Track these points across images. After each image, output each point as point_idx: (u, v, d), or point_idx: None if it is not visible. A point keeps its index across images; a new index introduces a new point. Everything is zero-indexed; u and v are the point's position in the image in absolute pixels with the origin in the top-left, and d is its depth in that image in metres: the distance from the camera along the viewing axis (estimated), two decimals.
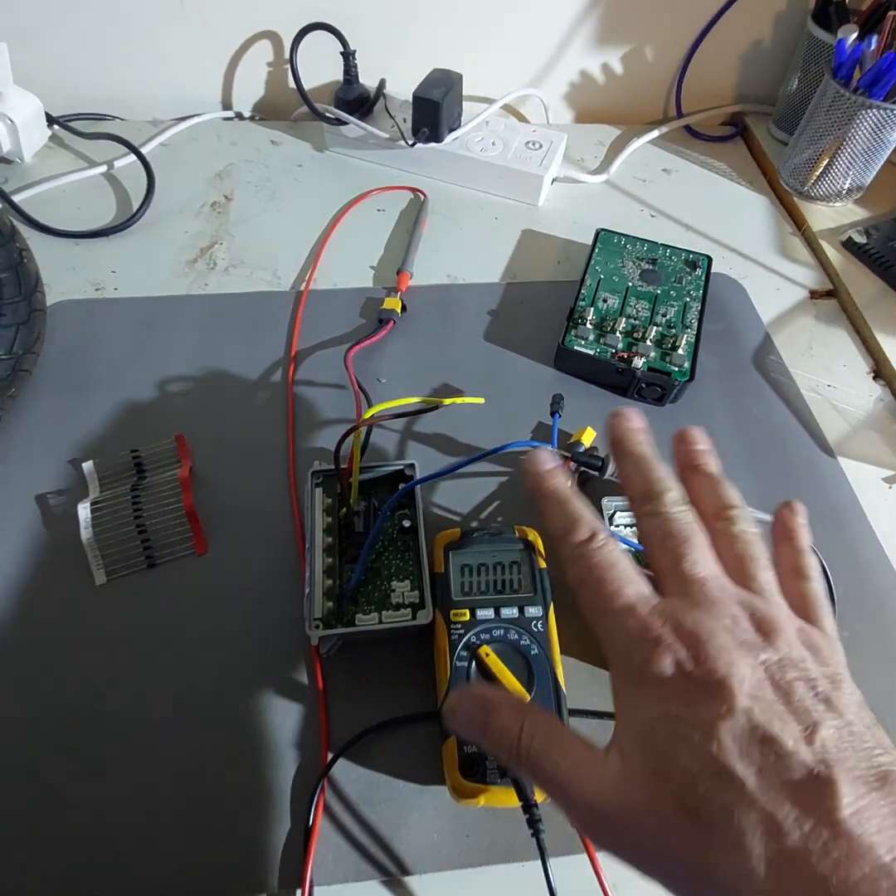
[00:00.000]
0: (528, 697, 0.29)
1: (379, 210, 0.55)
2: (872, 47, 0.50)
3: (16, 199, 0.52)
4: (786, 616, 0.20)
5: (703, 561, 0.21)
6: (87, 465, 0.38)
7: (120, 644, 0.33)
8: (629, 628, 0.20)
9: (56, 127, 0.57)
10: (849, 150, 0.53)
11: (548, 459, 0.24)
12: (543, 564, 0.33)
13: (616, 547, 0.22)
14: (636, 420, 0.25)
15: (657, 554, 0.22)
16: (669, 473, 0.24)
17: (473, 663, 0.30)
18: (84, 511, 0.36)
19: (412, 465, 0.36)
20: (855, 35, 0.50)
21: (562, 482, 0.24)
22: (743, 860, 0.16)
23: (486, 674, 0.29)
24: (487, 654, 0.30)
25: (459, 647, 0.30)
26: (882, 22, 0.51)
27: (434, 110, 0.52)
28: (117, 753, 0.30)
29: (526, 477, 0.24)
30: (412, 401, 0.32)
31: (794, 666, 0.19)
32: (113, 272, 0.49)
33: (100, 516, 0.36)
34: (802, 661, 0.19)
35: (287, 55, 0.56)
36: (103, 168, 0.55)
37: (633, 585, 0.21)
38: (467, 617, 0.31)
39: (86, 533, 0.35)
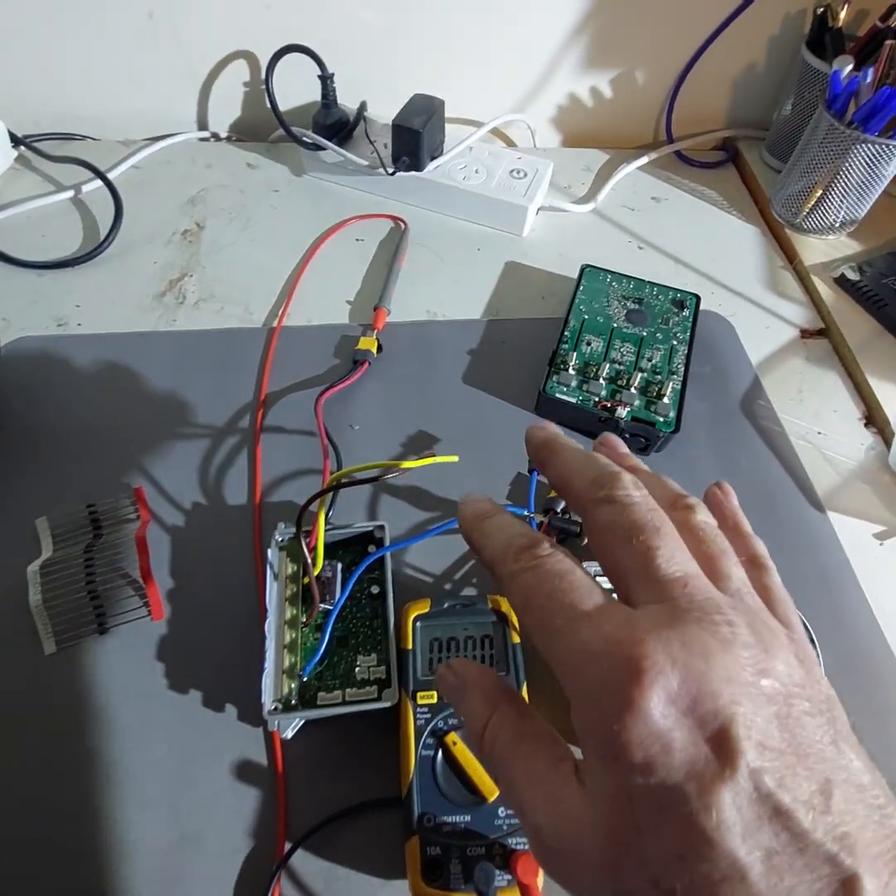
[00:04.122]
0: (496, 793, 0.27)
1: (357, 239, 0.53)
2: (868, 80, 0.48)
3: None
4: (776, 624, 0.17)
5: (679, 556, 0.17)
6: (41, 522, 0.36)
7: (66, 718, 0.31)
8: (598, 652, 0.15)
9: (22, 148, 0.55)
10: (842, 183, 0.51)
11: (479, 498, 0.21)
12: (517, 639, 0.31)
13: (565, 556, 0.18)
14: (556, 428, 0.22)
15: (618, 551, 0.17)
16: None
17: (440, 752, 0.28)
18: (34, 573, 0.34)
19: (382, 527, 0.34)
20: (850, 67, 0.49)
21: (496, 505, 0.20)
22: None
23: (453, 764, 0.28)
24: (455, 743, 0.28)
25: (425, 733, 0.28)
26: (878, 52, 0.49)
27: (414, 139, 0.50)
28: (57, 834, 0.28)
29: (460, 519, 0.21)
30: (381, 465, 0.30)
31: (799, 694, 0.15)
32: (77, 306, 0.47)
33: (50, 579, 0.34)
34: (804, 685, 0.15)
35: (263, 75, 0.54)
36: (70, 193, 0.53)
37: (595, 595, 0.16)
38: (435, 699, 0.29)
39: (35, 597, 0.34)
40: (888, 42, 0.48)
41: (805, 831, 0.13)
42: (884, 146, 0.48)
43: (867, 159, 0.49)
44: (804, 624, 0.35)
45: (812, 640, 0.34)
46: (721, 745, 0.14)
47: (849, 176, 0.51)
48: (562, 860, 0.16)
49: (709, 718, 0.14)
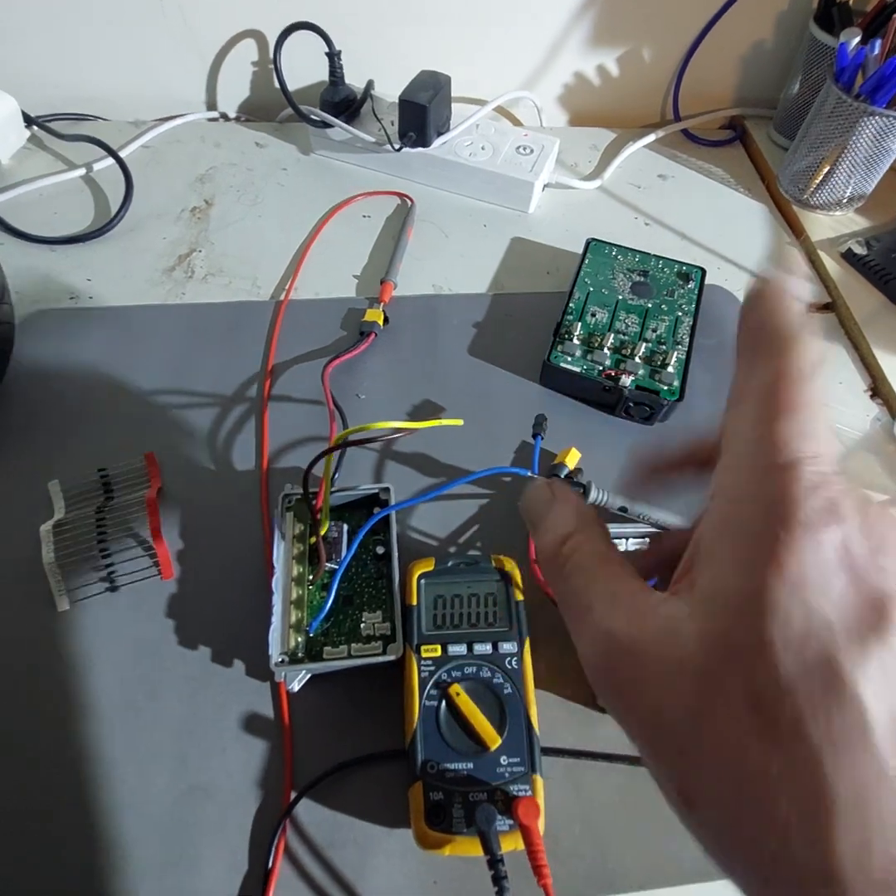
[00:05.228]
0: (497, 742, 0.27)
1: (364, 216, 0.53)
2: (876, 52, 0.48)
3: None
4: None
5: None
6: (53, 485, 0.37)
7: (80, 673, 0.32)
8: (789, 477, 0.14)
9: (35, 128, 0.56)
10: (850, 158, 0.51)
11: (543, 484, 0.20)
12: (520, 597, 0.32)
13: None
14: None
15: None
16: None
17: (444, 703, 0.29)
18: (47, 533, 0.35)
19: (387, 489, 0.35)
20: (858, 39, 0.49)
21: (554, 499, 0.19)
22: (825, 811, 0.12)
23: (456, 714, 0.28)
24: (458, 694, 0.29)
25: (429, 685, 0.29)
26: (886, 25, 0.49)
27: (421, 114, 0.50)
28: (71, 786, 0.29)
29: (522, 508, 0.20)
30: (386, 425, 0.30)
31: None
32: (88, 280, 0.47)
33: (62, 538, 0.35)
34: None
35: (272, 54, 0.55)
36: (82, 171, 0.54)
37: None
38: (438, 652, 0.30)
39: (48, 556, 0.34)
40: None
41: None
42: (891, 118, 0.48)
43: (875, 132, 0.49)
44: None
45: None
46: (879, 607, 0.13)
47: (856, 150, 0.50)
48: (634, 666, 0.15)
49: (875, 585, 0.14)
